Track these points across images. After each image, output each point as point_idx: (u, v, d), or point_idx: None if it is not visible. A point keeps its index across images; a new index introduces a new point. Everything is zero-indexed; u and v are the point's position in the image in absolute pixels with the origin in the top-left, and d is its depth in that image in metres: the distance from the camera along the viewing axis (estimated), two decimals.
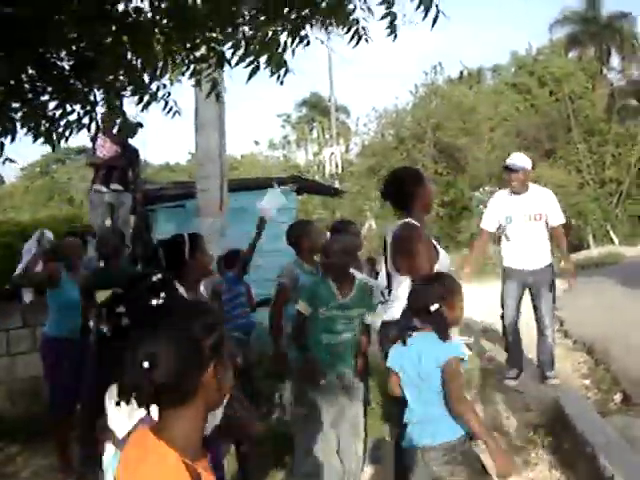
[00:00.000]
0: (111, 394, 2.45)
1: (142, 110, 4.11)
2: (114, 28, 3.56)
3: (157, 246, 4.13)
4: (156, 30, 3.65)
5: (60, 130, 3.93)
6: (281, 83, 3.65)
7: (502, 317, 7.17)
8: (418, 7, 3.15)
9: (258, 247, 6.03)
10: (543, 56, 36.67)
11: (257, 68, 3.64)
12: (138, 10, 3.57)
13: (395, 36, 3.33)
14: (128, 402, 1.64)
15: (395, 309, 3.94)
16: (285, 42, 3.59)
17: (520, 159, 7.05)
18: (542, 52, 37.12)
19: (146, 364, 1.59)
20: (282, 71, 3.64)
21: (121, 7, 3.62)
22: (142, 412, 2.38)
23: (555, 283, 7.07)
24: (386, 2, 3.21)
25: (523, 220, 6.96)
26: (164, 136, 55.65)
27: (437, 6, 3.20)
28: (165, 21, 3.63)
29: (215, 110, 7.93)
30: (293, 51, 3.69)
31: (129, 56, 3.76)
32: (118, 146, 8.82)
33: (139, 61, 3.83)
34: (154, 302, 2.09)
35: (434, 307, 3.32)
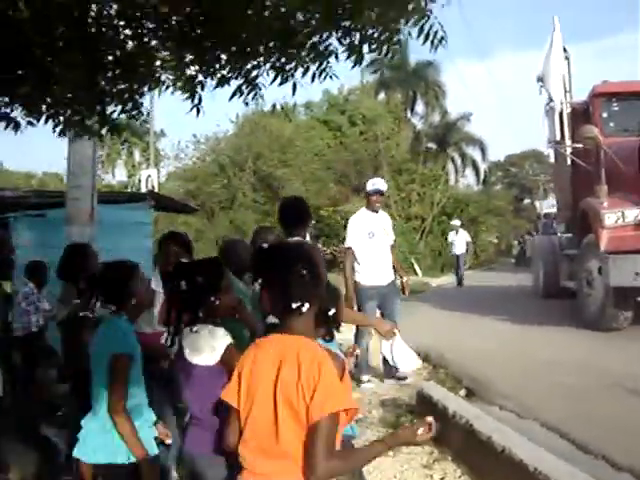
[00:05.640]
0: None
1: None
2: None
3: None
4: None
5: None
6: (246, 104, 4.26)
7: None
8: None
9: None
10: (354, 96, 38.82)
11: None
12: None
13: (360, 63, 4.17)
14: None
15: None
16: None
17: (383, 183, 8.04)
18: (353, 93, 39.27)
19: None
20: (251, 95, 4.26)
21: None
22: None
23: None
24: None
25: (382, 234, 7.80)
26: None
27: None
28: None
29: None
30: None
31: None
32: None
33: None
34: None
35: None
